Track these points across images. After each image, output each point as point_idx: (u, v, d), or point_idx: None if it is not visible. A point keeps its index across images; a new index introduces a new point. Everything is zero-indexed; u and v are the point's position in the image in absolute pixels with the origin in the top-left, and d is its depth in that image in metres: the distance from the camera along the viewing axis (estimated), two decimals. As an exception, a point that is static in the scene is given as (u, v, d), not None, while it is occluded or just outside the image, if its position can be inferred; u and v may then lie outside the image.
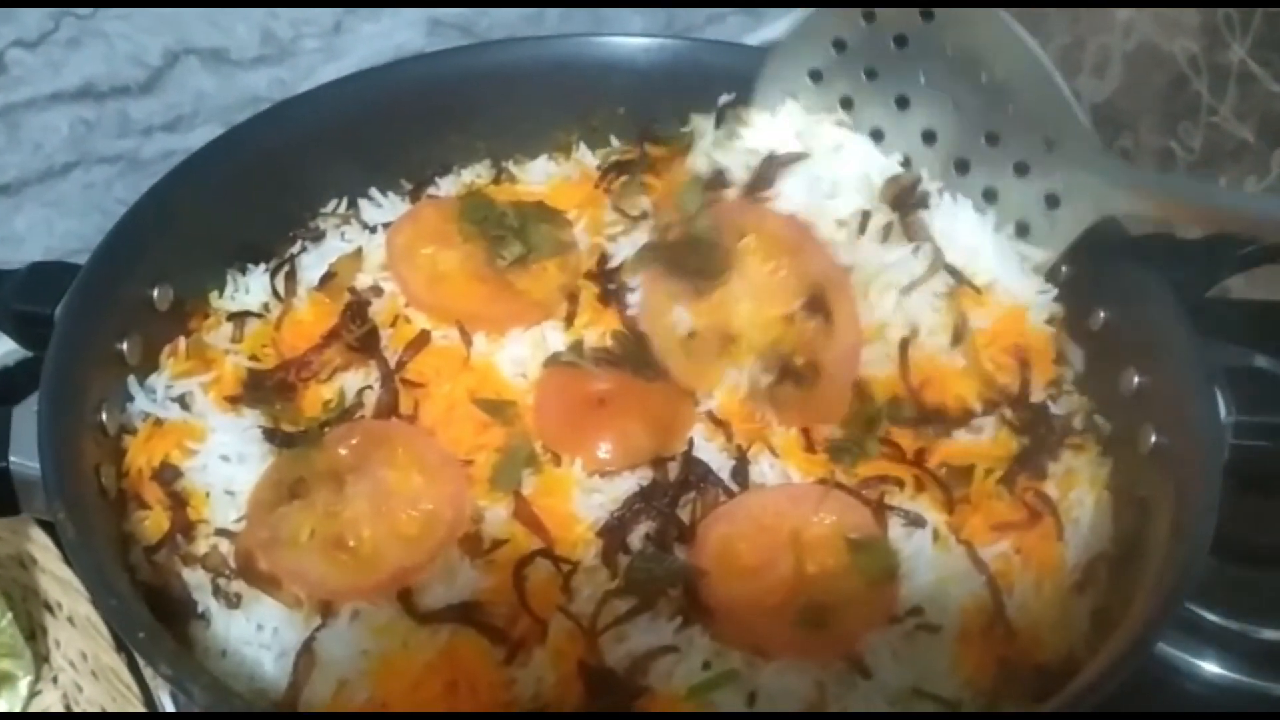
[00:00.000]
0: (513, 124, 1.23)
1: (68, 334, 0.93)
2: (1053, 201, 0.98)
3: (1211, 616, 1.14)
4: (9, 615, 1.18)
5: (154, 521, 0.93)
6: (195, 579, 0.91)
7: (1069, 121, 0.95)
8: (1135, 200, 0.93)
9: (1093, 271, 1.02)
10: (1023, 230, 1.02)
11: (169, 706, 1.02)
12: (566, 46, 1.24)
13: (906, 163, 1.05)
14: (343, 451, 0.94)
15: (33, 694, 1.19)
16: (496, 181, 1.23)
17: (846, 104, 1.07)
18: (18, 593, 1.24)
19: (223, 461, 0.96)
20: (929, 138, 1.04)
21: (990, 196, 1.03)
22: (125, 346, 0.99)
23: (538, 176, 1.22)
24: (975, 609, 0.88)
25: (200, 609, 0.90)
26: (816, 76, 1.07)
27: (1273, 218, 0.88)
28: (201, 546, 0.92)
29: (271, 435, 0.97)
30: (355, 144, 1.19)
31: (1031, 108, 0.96)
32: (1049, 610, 0.90)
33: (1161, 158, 1.57)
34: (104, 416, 0.95)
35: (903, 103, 1.04)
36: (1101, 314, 1.01)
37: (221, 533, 0.92)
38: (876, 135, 1.06)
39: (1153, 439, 0.92)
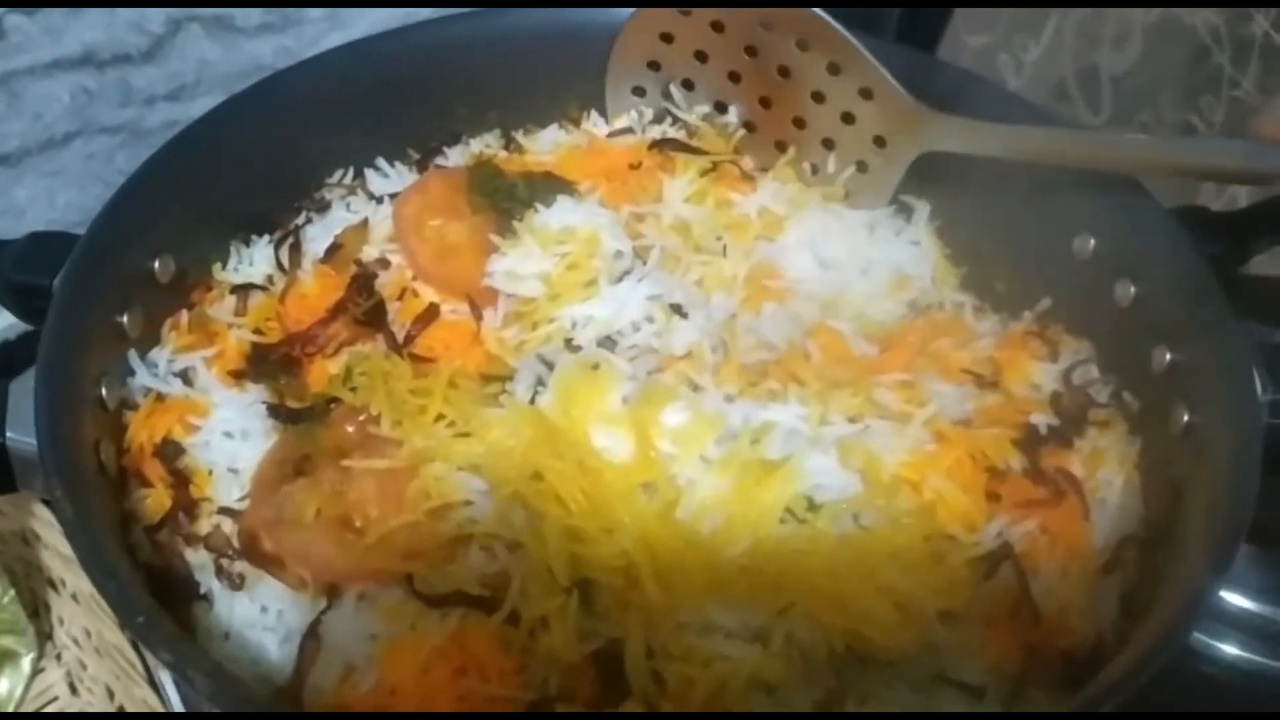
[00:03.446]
0: (523, 93, 1.21)
1: (66, 306, 0.90)
2: (880, 142, 1.10)
3: (1232, 598, 1.12)
4: (11, 592, 1.17)
5: (155, 500, 0.91)
6: (198, 559, 0.89)
7: (878, 78, 1.07)
8: (943, 137, 1.05)
9: (1122, 245, 1.00)
10: (862, 168, 1.13)
11: (170, 688, 1.00)
12: (577, 15, 1.21)
13: (750, 126, 1.18)
14: (349, 429, 0.92)
15: (36, 671, 1.18)
16: (507, 151, 1.20)
17: (687, 85, 1.20)
18: (20, 569, 1.23)
19: (226, 438, 0.94)
20: (765, 103, 1.16)
21: (829, 144, 1.14)
22: (126, 319, 0.96)
23: (546, 146, 1.20)
24: (1001, 591, 0.86)
25: (203, 590, 0.88)
26: (654, 67, 1.20)
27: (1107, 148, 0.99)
28: (204, 526, 0.90)
29: (276, 411, 0.95)
30: (360, 113, 1.16)
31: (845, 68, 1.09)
32: (1076, 593, 0.87)
33: (1183, 131, 1.54)
34: (104, 391, 0.93)
35: (734, 77, 1.17)
36: (1131, 289, 0.98)
37: (225, 511, 0.90)
38: (720, 108, 1.19)
39: (1185, 418, 0.89)
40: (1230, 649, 1.12)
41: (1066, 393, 0.98)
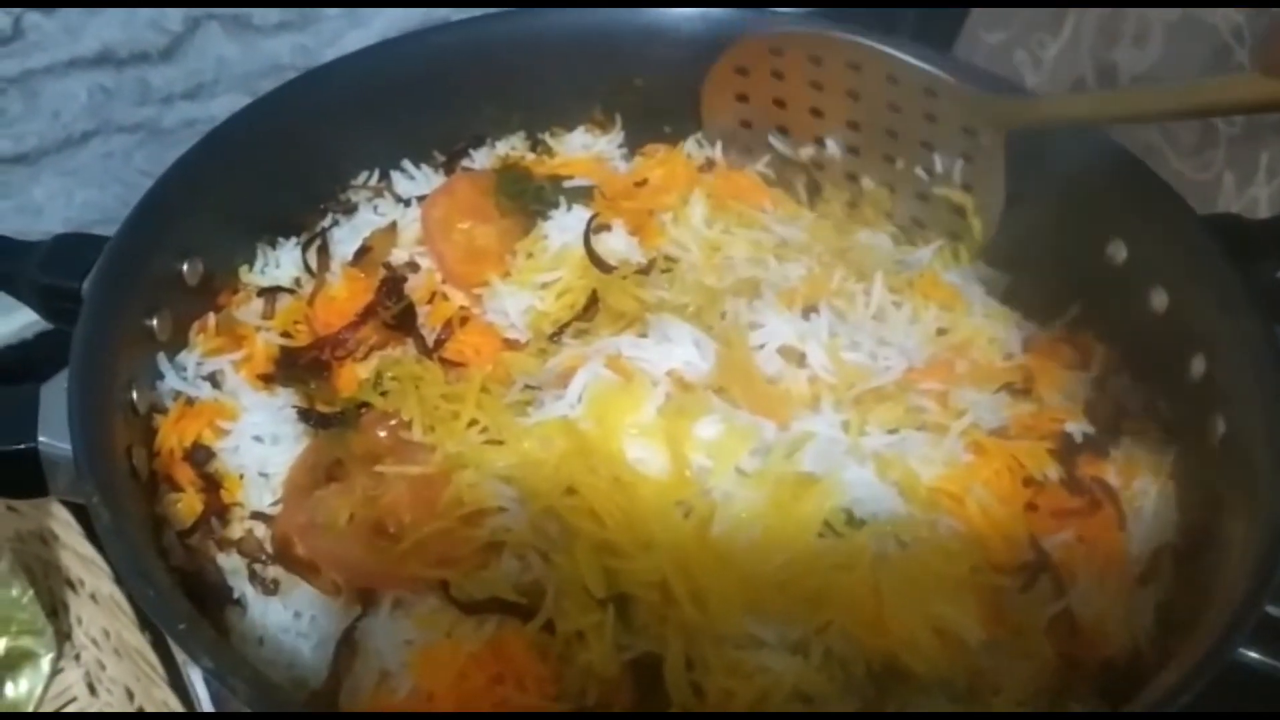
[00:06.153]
0: (548, 95, 1.19)
1: (97, 309, 0.89)
2: (969, 131, 1.04)
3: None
4: (30, 592, 1.17)
5: (187, 504, 0.90)
6: (230, 564, 0.89)
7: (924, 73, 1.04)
8: (1018, 114, 1.01)
9: (1155, 252, 0.99)
10: (969, 159, 1.06)
11: (201, 690, 0.99)
12: (603, 15, 1.19)
13: (854, 149, 1.14)
14: (381, 434, 0.91)
15: (55, 672, 1.18)
16: (534, 153, 1.19)
17: (783, 130, 1.17)
18: (39, 569, 1.22)
19: (256, 442, 0.94)
20: (854, 127, 1.13)
21: (929, 146, 1.09)
22: (155, 322, 0.95)
23: (576, 150, 1.19)
24: (1040, 602, 0.85)
25: (236, 595, 0.88)
26: (746, 125, 1.19)
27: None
28: (236, 530, 0.90)
29: (306, 416, 0.95)
30: (385, 115, 1.15)
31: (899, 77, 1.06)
32: (1113, 603, 0.87)
33: (1201, 131, 1.53)
34: (134, 395, 0.92)
35: (817, 113, 1.14)
36: (1165, 297, 0.97)
37: (257, 516, 0.90)
38: (820, 142, 1.16)
39: (1222, 428, 0.89)
40: (1251, 654, 1.11)
41: (1099, 401, 0.97)
